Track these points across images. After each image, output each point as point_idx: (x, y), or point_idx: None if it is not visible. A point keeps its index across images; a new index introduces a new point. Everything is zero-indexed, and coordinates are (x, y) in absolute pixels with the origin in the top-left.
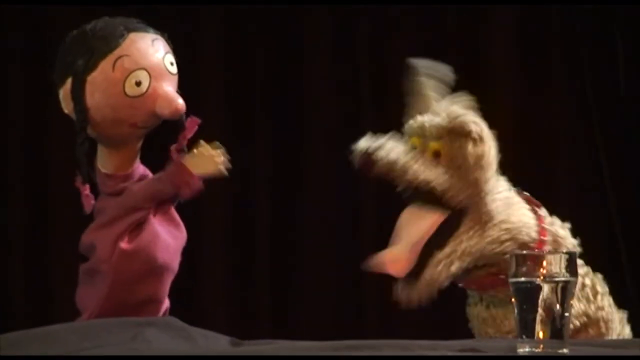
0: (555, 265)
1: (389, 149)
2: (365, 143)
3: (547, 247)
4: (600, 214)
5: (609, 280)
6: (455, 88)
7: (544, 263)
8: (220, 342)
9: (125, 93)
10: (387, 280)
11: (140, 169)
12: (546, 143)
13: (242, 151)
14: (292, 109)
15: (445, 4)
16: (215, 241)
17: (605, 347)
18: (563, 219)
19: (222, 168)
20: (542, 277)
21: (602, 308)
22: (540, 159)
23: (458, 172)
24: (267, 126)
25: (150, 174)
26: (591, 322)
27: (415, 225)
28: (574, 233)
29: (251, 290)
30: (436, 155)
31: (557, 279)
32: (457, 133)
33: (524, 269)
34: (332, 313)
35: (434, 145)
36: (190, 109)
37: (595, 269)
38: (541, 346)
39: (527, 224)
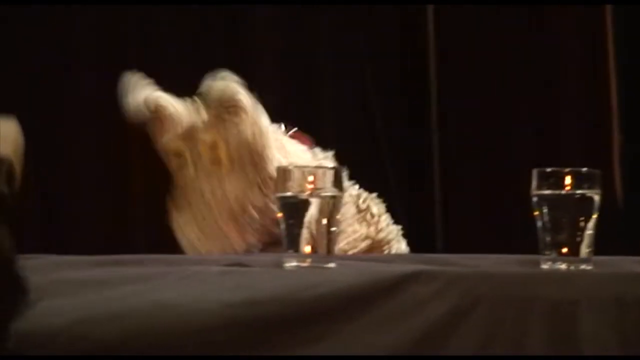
0: (321, 180)
1: None
2: None
3: None
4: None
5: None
6: None
7: (310, 178)
8: None
9: None
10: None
11: None
12: None
13: None
14: None
15: None
16: None
17: (370, 261)
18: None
19: None
20: (308, 192)
21: (381, 230)
22: None
23: None
24: None
25: None
26: (374, 244)
27: None
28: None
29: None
30: None
31: (323, 194)
32: None
33: (290, 183)
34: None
35: None
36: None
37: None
38: (308, 260)
39: None
